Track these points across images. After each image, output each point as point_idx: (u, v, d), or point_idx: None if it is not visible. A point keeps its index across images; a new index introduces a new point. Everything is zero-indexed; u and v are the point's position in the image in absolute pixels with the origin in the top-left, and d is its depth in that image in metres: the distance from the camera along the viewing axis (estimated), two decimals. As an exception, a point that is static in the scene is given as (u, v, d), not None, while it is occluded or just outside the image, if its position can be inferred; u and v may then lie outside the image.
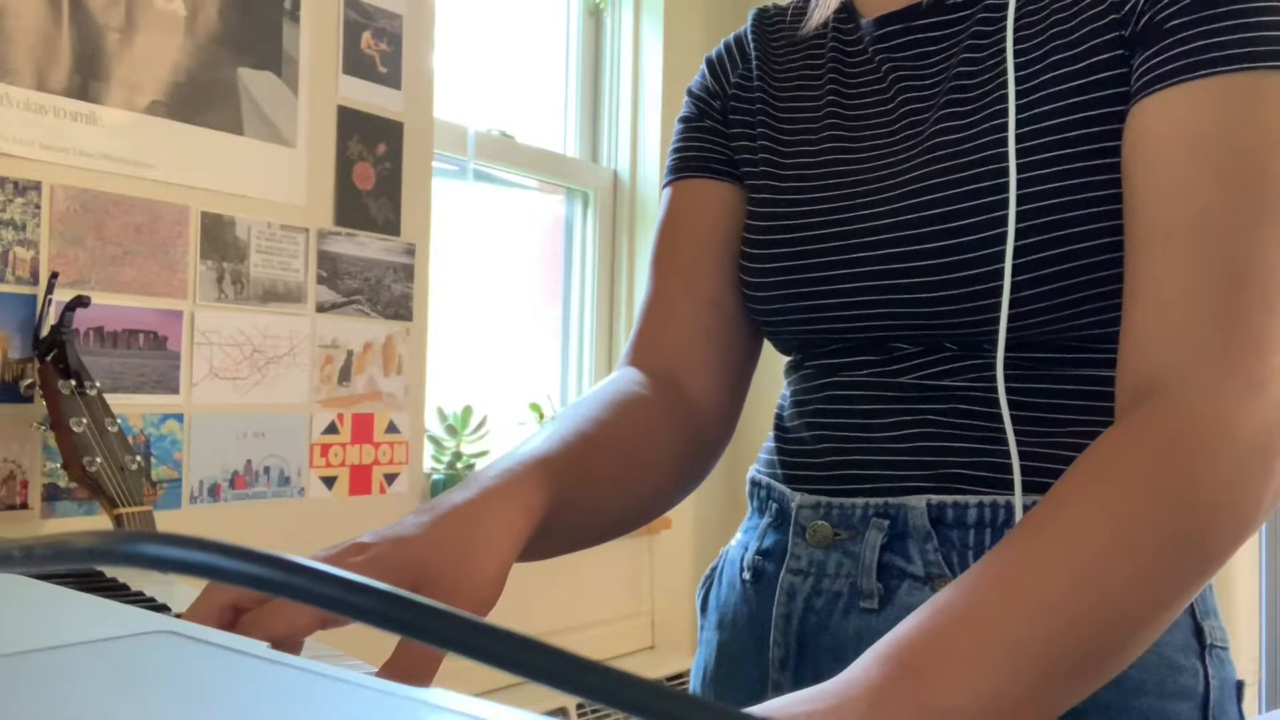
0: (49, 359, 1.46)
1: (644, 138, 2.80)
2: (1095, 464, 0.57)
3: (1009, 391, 0.68)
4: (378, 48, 2.05)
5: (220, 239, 1.80)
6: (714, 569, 0.84)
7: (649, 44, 2.81)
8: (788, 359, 0.84)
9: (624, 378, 0.80)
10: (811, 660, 0.73)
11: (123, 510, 1.39)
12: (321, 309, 1.96)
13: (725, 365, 0.85)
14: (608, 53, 2.82)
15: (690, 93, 0.90)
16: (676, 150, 0.88)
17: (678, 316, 0.84)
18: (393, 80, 2.08)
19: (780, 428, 0.82)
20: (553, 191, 2.74)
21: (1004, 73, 0.70)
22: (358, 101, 2.02)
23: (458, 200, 2.41)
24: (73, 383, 1.42)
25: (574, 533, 0.70)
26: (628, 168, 2.81)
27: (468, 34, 2.46)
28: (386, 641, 0.54)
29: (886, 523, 0.71)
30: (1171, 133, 0.62)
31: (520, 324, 2.68)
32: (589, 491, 0.69)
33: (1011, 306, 0.67)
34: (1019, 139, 0.67)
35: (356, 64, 2.02)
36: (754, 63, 0.86)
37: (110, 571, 0.98)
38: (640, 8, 2.81)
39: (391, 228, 2.08)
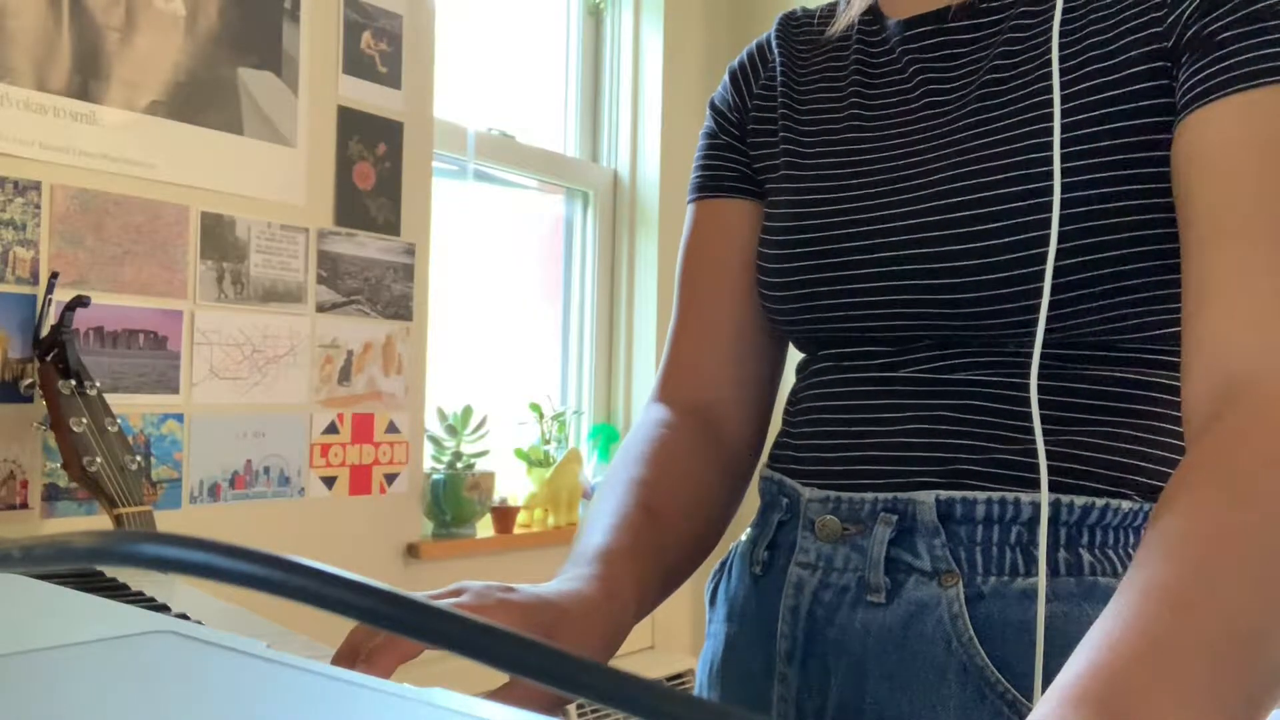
0: (49, 359, 1.46)
1: (644, 138, 2.80)
2: (1216, 464, 0.56)
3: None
4: (378, 48, 2.05)
5: (220, 239, 1.80)
6: (724, 563, 0.85)
7: (649, 44, 2.81)
8: (801, 355, 0.85)
9: (659, 423, 0.82)
10: (818, 653, 0.73)
11: (123, 510, 1.39)
12: (321, 309, 1.96)
13: (753, 391, 0.86)
14: (608, 53, 2.82)
15: (712, 105, 0.90)
16: (698, 168, 0.89)
17: (705, 349, 0.86)
18: (393, 80, 2.08)
19: (790, 422, 0.82)
20: (553, 191, 2.74)
21: (1041, 79, 0.70)
22: (358, 101, 2.02)
23: (458, 200, 2.41)
24: (73, 383, 1.42)
25: (654, 601, 0.75)
26: (628, 168, 2.81)
27: (468, 34, 2.46)
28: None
29: (895, 518, 0.71)
30: (1236, 139, 0.62)
31: (520, 324, 2.68)
32: (666, 575, 0.74)
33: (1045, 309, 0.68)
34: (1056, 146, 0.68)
35: (356, 64, 2.02)
36: (778, 68, 0.86)
37: (110, 571, 0.98)
38: (640, 8, 2.81)
39: (391, 228, 2.08)
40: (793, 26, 0.88)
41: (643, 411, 0.86)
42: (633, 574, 0.67)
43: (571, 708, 2.21)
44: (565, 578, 0.65)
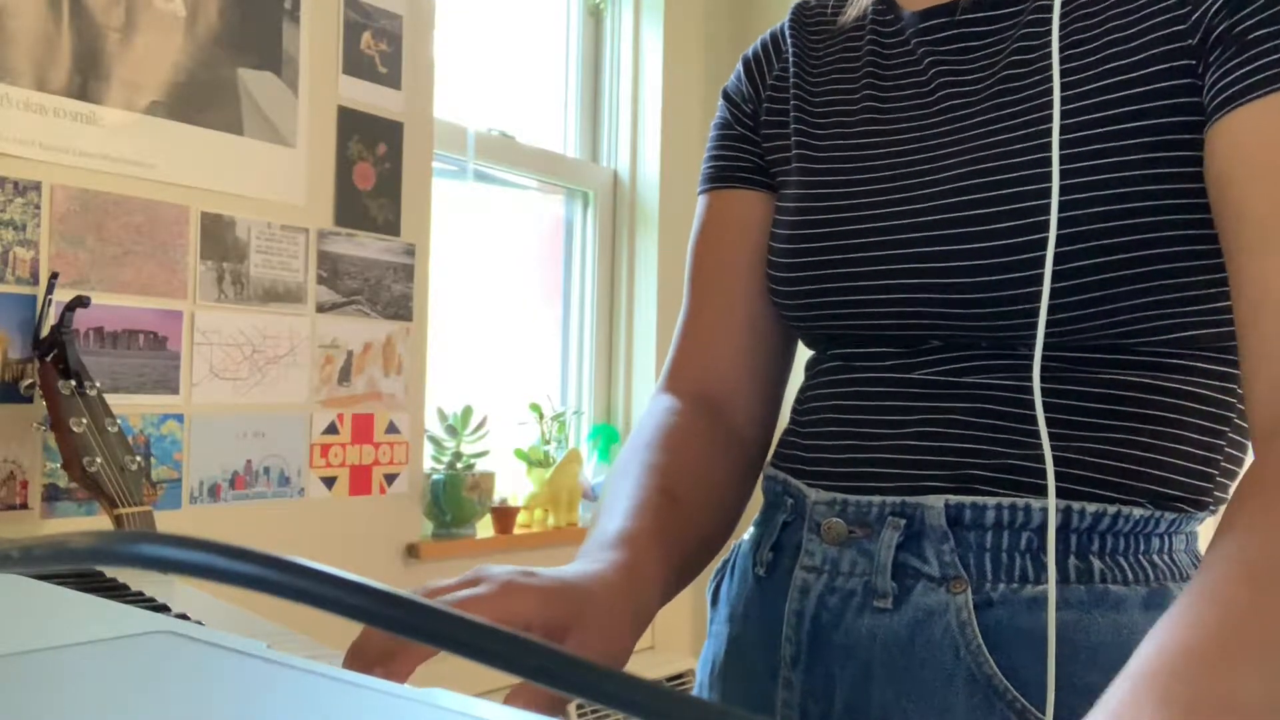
0: (49, 359, 1.46)
1: (644, 138, 2.80)
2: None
3: (1043, 393, 0.68)
4: (378, 48, 2.05)
5: (220, 239, 1.80)
6: (726, 562, 0.84)
7: (649, 44, 2.81)
8: (811, 353, 0.84)
9: (670, 410, 0.81)
10: (823, 658, 0.73)
11: (123, 510, 1.39)
12: (321, 309, 1.96)
13: (763, 384, 0.86)
14: (608, 53, 2.82)
15: (725, 95, 0.90)
16: (710, 158, 0.88)
17: (716, 340, 0.85)
18: (393, 80, 2.08)
19: (798, 422, 0.81)
20: (553, 191, 2.74)
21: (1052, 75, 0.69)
22: (358, 101, 2.02)
23: (458, 200, 2.41)
24: (73, 383, 1.42)
25: (676, 587, 0.74)
26: (628, 168, 2.81)
27: (468, 34, 2.46)
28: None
29: (903, 522, 0.70)
30: (1276, 139, 0.61)
31: (520, 324, 2.68)
32: (685, 561, 0.73)
33: (1050, 310, 0.67)
34: (1066, 144, 0.67)
35: (356, 64, 2.02)
36: (790, 58, 0.85)
37: (110, 571, 0.98)
38: (640, 8, 2.81)
39: (391, 228, 2.08)
40: (806, 16, 0.87)
41: (650, 400, 0.85)
42: (657, 556, 0.66)
43: (571, 707, 2.21)
44: (588, 560, 0.64)
